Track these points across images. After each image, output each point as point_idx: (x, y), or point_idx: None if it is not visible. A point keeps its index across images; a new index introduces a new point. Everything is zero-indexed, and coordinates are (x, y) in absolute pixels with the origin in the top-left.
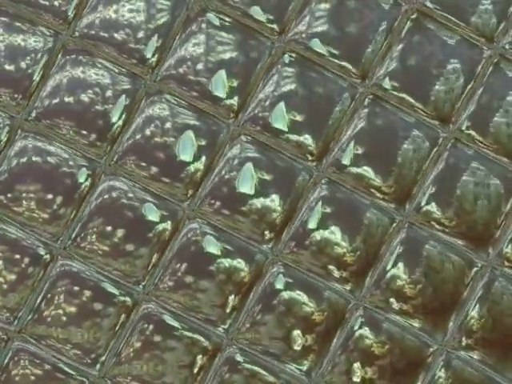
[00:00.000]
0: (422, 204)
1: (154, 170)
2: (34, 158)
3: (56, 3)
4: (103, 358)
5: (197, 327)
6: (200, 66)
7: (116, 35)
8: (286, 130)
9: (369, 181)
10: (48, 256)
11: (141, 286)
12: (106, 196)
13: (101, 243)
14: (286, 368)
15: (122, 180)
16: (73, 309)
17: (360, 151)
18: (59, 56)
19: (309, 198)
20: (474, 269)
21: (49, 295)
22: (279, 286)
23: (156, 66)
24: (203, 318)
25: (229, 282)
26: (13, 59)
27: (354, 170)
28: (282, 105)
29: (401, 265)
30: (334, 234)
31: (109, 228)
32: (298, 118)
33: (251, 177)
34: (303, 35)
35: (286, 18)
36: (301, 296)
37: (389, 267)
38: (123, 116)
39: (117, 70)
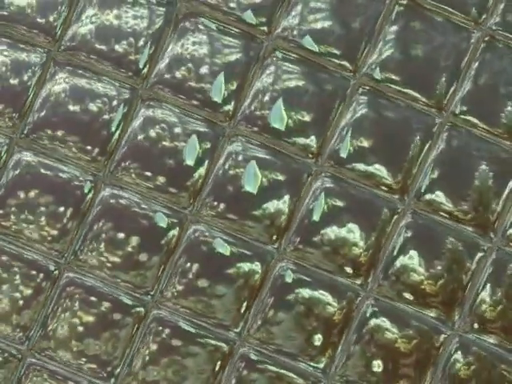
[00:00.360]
0: (423, 190)
1: (158, 178)
2: (29, 173)
3: (51, 18)
4: (118, 369)
5: (209, 330)
6: (196, 70)
7: (104, 47)
8: (283, 128)
9: (370, 174)
10: (56, 272)
11: (149, 296)
12: (104, 206)
13: (110, 253)
14: (300, 366)
15: (124, 189)
16: (85, 321)
17: (366, 144)
18: (50, 69)
19: (311, 190)
20: (479, 254)
21: (55, 309)
22: (288, 279)
23: (148, 73)
24: (215, 323)
25: (245, 286)
26: (16, 73)
27: (355, 165)
28: (280, 103)
29: (413, 253)
30: (353, 232)
31: (109, 238)
32: (296, 115)
33: (254, 175)
34: (294, 32)
35: (274, 17)
36: (309, 292)
37: (396, 253)
38: (121, 125)
39: (117, 83)
